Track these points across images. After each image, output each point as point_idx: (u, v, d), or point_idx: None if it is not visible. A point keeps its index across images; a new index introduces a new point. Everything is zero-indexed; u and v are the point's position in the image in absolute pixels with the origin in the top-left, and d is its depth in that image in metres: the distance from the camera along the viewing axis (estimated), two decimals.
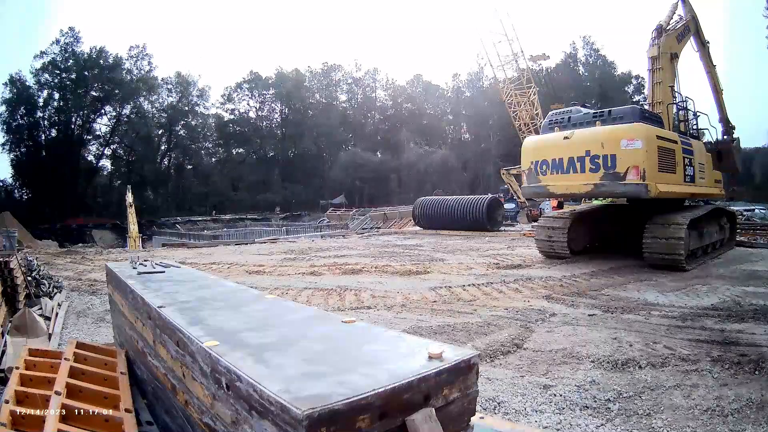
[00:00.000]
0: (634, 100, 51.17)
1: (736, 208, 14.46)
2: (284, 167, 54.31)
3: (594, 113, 7.88)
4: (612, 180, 7.13)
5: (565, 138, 7.68)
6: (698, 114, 9.26)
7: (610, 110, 7.67)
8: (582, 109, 8.25)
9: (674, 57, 8.83)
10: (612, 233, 9.72)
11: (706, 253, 8.32)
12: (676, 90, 8.85)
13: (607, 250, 9.19)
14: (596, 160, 7.27)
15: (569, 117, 8.08)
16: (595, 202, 12.32)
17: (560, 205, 12.14)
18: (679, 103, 8.78)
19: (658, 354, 3.41)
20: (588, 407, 2.61)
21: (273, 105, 56.65)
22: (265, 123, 56.52)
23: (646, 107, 8.75)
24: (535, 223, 19.67)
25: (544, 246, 8.75)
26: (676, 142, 7.70)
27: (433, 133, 58.55)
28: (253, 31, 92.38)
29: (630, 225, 8.66)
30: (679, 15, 9.53)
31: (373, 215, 29.12)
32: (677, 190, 7.72)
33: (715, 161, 9.47)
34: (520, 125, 24.39)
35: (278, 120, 56.74)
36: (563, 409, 2.60)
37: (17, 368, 2.04)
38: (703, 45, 10.33)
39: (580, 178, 7.50)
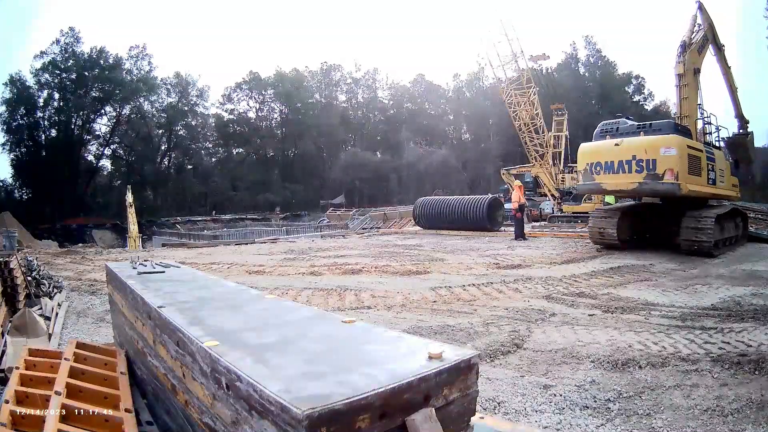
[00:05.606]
0: (635, 100, 51.20)
1: None
2: (284, 167, 54.22)
3: (638, 125, 9.43)
4: (653, 179, 8.61)
5: (616, 144, 9.19)
6: (720, 128, 10.98)
7: (650, 123, 9.34)
8: (627, 120, 9.86)
9: (697, 72, 10.12)
10: (641, 231, 10.70)
11: (725, 245, 9.57)
12: (701, 106, 10.24)
13: (633, 246, 10.11)
14: (641, 163, 8.78)
15: (617, 127, 9.59)
16: (608, 199, 14.09)
17: (521, 208, 13.35)
18: (705, 119, 10.38)
19: (658, 354, 3.41)
20: (588, 407, 2.61)
21: (273, 105, 56.51)
22: (264, 123, 56.38)
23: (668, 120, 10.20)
24: (536, 223, 19.77)
25: (595, 236, 9.91)
26: (701, 150, 9.25)
27: (434, 133, 58.46)
28: (253, 32, 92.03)
29: (651, 226, 10.33)
30: (698, 24, 10.45)
31: (373, 215, 29.10)
32: (702, 190, 9.19)
33: (733, 168, 11.08)
34: (519, 125, 24.31)
35: (278, 120, 56.59)
36: (563, 409, 2.60)
37: (17, 368, 2.04)
38: (719, 49, 11.32)
39: (628, 178, 8.96)
